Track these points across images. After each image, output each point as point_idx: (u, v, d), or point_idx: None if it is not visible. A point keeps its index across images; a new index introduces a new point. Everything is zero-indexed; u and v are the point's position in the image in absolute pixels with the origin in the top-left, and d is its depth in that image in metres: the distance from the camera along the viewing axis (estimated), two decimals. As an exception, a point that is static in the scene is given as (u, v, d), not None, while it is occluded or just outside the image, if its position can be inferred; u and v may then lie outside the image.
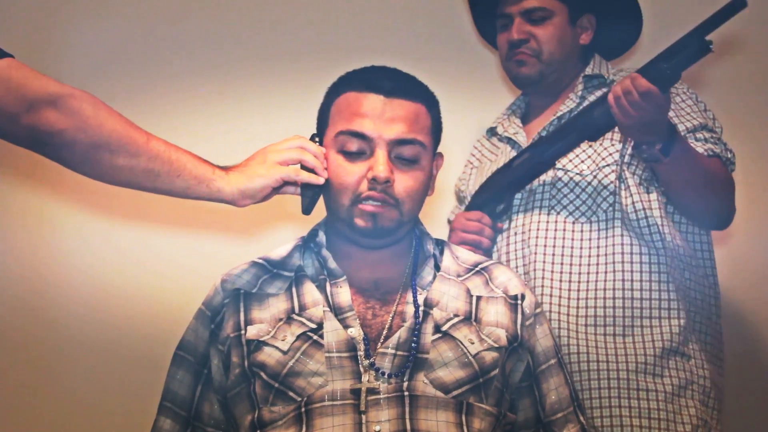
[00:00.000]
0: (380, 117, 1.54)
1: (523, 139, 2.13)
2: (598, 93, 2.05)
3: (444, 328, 1.53)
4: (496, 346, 1.53)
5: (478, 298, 1.59)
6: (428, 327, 1.52)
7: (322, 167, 1.55)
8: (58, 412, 2.31)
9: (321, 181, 1.54)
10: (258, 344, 1.52)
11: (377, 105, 1.54)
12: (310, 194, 1.57)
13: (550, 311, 1.91)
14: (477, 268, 1.65)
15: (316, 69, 2.02)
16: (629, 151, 1.97)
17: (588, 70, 2.12)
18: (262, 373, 1.50)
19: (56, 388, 2.31)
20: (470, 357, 1.51)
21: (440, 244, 1.68)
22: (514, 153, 2.12)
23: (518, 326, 1.58)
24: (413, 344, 1.50)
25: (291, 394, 1.48)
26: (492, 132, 2.26)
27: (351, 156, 1.55)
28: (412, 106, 1.56)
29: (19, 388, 2.31)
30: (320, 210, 1.63)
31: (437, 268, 1.62)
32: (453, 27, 2.48)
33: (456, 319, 1.55)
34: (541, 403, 1.59)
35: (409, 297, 1.56)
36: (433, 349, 1.50)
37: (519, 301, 1.61)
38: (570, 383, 1.62)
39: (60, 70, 2.21)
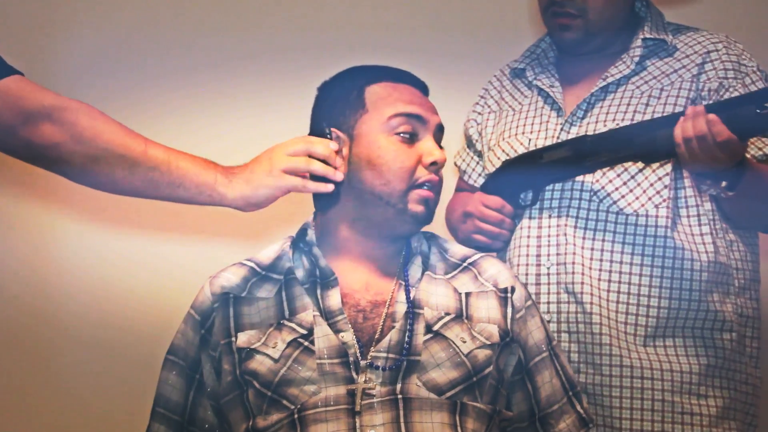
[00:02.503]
0: (423, 105, 1.58)
1: (560, 97, 1.84)
2: (660, 65, 1.79)
3: (435, 328, 1.52)
4: (489, 343, 1.52)
5: (467, 294, 1.58)
6: (419, 327, 1.51)
7: (333, 171, 1.51)
8: (57, 412, 2.31)
9: (330, 189, 1.51)
10: (249, 352, 1.50)
11: (416, 93, 1.59)
12: (323, 196, 1.54)
13: (590, 315, 1.72)
14: (465, 264, 1.62)
15: (317, 67, 2.01)
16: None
17: (646, 31, 1.81)
18: (255, 382, 1.48)
19: (56, 389, 2.32)
20: (463, 356, 1.49)
21: (429, 239, 1.66)
22: (547, 110, 1.84)
23: (509, 320, 1.57)
24: (405, 346, 1.49)
25: (285, 402, 1.46)
26: (517, 73, 1.95)
27: (407, 139, 1.56)
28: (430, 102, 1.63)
29: (19, 388, 2.32)
30: (309, 207, 1.61)
31: (425, 265, 1.60)
32: (450, 20, 2.45)
33: (447, 318, 1.53)
34: (534, 397, 1.59)
35: (399, 297, 1.55)
36: (425, 351, 1.49)
37: (509, 294, 1.59)
38: (562, 373, 1.61)
39: (56, 69, 2.22)
